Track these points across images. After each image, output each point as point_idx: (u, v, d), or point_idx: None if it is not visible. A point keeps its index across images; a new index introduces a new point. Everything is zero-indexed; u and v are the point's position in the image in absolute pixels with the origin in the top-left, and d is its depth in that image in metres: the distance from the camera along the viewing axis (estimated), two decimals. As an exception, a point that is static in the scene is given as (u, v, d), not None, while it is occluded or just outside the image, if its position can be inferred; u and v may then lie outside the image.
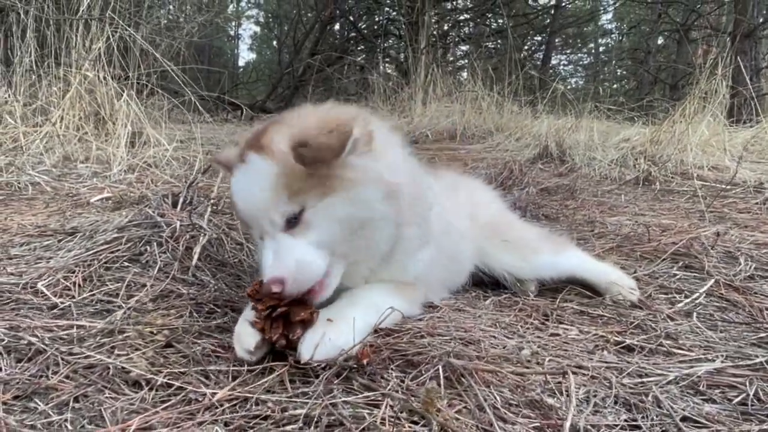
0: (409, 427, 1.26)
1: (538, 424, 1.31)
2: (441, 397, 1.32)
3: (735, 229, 3.68)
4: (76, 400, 1.38)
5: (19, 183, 4.14)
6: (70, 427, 1.26)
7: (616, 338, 1.92)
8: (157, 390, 1.46)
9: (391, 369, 1.53)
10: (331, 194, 1.61)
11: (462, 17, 16.40)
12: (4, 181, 4.16)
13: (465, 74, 12.97)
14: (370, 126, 1.73)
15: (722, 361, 1.74)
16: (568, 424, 1.26)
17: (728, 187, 4.91)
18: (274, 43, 23.70)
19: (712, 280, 2.52)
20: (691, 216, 4.16)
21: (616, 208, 4.44)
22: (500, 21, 15.11)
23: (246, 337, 1.56)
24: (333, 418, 1.28)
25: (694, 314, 2.17)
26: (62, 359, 1.54)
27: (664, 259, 2.84)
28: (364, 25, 16.10)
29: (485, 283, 2.55)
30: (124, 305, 1.90)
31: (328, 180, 1.60)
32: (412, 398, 1.31)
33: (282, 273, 1.56)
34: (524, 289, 2.47)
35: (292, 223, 1.61)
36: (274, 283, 1.54)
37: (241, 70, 25.19)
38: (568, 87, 18.64)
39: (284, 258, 1.58)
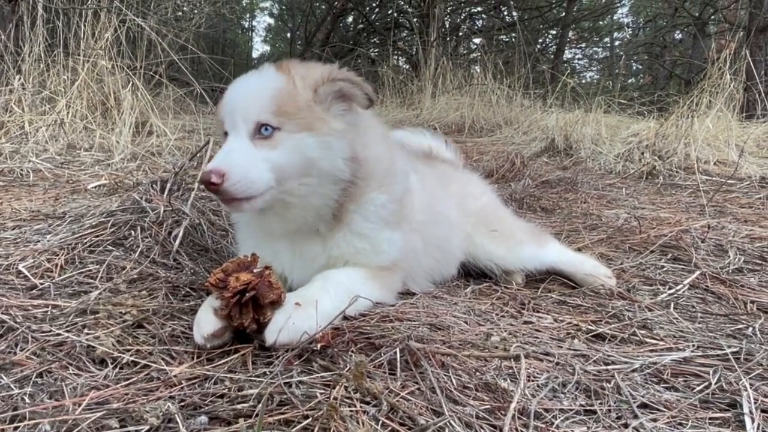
0: (360, 406, 1.27)
1: (489, 407, 1.31)
2: (367, 371, 1.33)
3: (733, 223, 3.64)
4: (39, 375, 1.41)
5: (21, 170, 4.21)
6: (28, 401, 1.29)
7: (590, 327, 1.91)
8: (122, 368, 1.49)
9: (352, 351, 1.54)
10: (310, 130, 1.73)
11: (474, 10, 16.30)
12: (8, 168, 4.22)
13: (477, 68, 12.88)
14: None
15: (692, 351, 1.73)
16: (513, 406, 1.26)
17: (731, 181, 4.85)
18: (288, 35, 23.73)
19: (698, 272, 2.50)
20: (691, 210, 4.12)
21: (615, 202, 4.41)
22: (513, 14, 15.00)
23: (205, 324, 1.57)
24: (285, 397, 1.29)
25: (673, 305, 2.16)
26: (32, 337, 1.57)
27: (652, 251, 2.82)
28: (375, 18, 16.06)
29: (471, 273, 2.55)
30: (100, 286, 1.93)
31: (315, 120, 1.75)
32: (343, 373, 1.32)
33: (230, 169, 1.62)
34: (511, 280, 2.48)
35: (263, 135, 1.70)
36: (216, 173, 1.60)
37: (255, 62, 25.25)
38: (583, 81, 18.47)
39: (240, 160, 1.66)
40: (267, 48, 30.68)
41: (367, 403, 1.30)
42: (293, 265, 1.93)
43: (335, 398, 1.28)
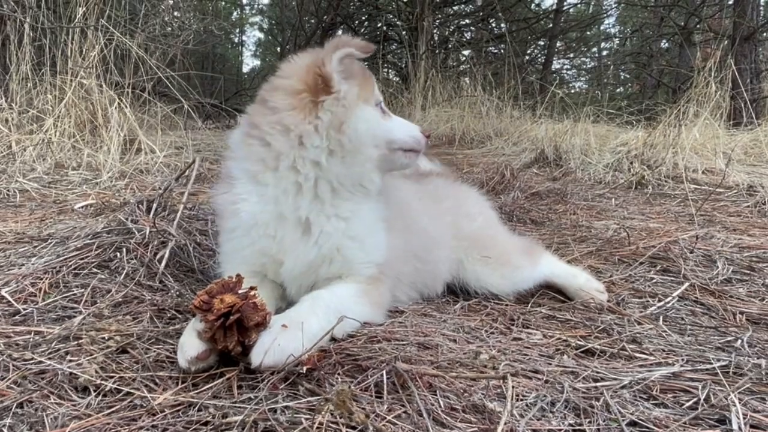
0: (347, 431, 1.26)
1: (476, 429, 1.29)
2: (355, 397, 1.31)
3: (722, 232, 3.65)
4: (20, 405, 1.38)
5: (8, 190, 4.17)
6: (7, 433, 1.26)
7: (579, 342, 1.90)
8: (104, 396, 1.46)
9: (339, 374, 1.52)
10: None
11: (462, 22, 16.42)
12: (-6, 189, 4.19)
13: (467, 80, 12.95)
14: None
15: (681, 366, 1.72)
16: (500, 429, 1.25)
17: (719, 190, 4.87)
18: (278, 49, 23.79)
19: (687, 284, 2.50)
20: (680, 219, 4.13)
21: (605, 212, 4.42)
22: (501, 26, 15.12)
23: (189, 347, 1.54)
24: (269, 424, 1.27)
25: (662, 318, 2.15)
26: (13, 365, 1.55)
27: (641, 263, 2.82)
28: (365, 31, 16.14)
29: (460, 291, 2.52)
30: (84, 311, 1.91)
31: None
32: (329, 398, 1.30)
33: None
34: (502, 298, 2.45)
35: None
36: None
37: (246, 76, 25.29)
38: (572, 91, 18.61)
39: None
40: (257, 62, 30.72)
41: (354, 428, 1.28)
42: (286, 250, 1.93)
43: (321, 424, 1.26)
